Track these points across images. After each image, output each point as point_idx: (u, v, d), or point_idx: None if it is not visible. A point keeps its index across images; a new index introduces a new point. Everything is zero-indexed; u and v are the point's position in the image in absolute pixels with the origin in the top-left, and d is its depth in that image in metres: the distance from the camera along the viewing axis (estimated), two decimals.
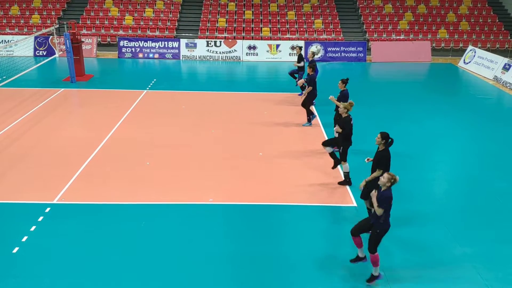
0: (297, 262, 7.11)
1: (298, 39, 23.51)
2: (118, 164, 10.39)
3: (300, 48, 16.71)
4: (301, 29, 24.26)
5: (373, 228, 6.39)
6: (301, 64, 15.90)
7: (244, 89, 17.12)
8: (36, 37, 21.87)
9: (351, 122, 9.21)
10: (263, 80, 19.45)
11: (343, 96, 10.96)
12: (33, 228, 7.81)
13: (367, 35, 24.23)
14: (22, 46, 21.52)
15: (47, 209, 8.40)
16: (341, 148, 9.32)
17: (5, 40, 22.15)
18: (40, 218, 8.10)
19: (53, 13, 24.46)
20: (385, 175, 6.23)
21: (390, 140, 7.44)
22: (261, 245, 7.53)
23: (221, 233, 7.83)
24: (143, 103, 15.02)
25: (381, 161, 7.45)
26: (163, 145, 11.58)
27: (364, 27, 24.76)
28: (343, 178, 9.64)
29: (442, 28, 24.53)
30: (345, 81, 11.18)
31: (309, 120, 13.19)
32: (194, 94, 16.24)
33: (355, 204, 8.82)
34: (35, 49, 22.11)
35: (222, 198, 8.96)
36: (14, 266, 6.87)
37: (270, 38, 23.59)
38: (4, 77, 15.83)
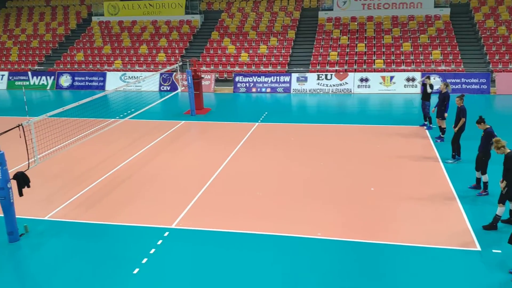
0: None
1: (414, 70, 22.64)
2: (231, 193, 10.73)
3: (428, 77, 15.61)
4: (417, 60, 23.37)
5: None
6: (429, 91, 15.07)
7: (355, 121, 16.82)
8: (161, 74, 23.91)
9: None
10: (376, 112, 18.95)
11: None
12: (152, 251, 8.31)
13: (490, 66, 22.53)
14: (149, 82, 23.64)
15: (166, 233, 8.90)
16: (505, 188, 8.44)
17: (134, 76, 24.55)
18: (159, 242, 8.60)
19: (176, 51, 26.64)
20: None
21: None
22: (369, 287, 7.14)
23: (327, 270, 7.59)
24: (255, 135, 15.47)
25: None
26: (273, 176, 11.74)
27: (488, 57, 23.08)
28: (492, 222, 8.67)
29: None
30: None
31: (454, 157, 12.28)
32: (304, 127, 16.34)
33: (478, 248, 8.01)
34: (160, 85, 24.14)
35: (331, 233, 8.73)
36: (134, 287, 7.33)
37: (383, 70, 23.07)
38: (132, 110, 17.46)
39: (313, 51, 25.08)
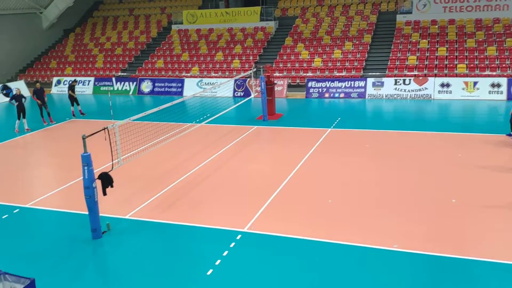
0: None
1: (500, 76, 21.20)
2: (302, 199, 10.65)
3: None
4: (503, 65, 21.86)
5: None
6: None
7: (435, 128, 16.03)
8: (235, 80, 24.39)
9: None
10: (457, 119, 17.97)
11: None
12: (225, 253, 8.44)
13: None
14: (224, 88, 24.20)
15: (238, 236, 9.01)
16: None
17: (210, 83, 25.25)
18: (232, 244, 8.72)
19: (251, 58, 27.05)
20: None
21: None
22: None
23: (404, 284, 7.26)
24: (327, 141, 15.26)
25: None
26: (346, 183, 11.49)
27: None
28: None
29: None
30: None
31: None
32: (380, 133, 15.86)
33: None
34: (234, 91, 24.61)
35: (409, 246, 8.36)
36: (207, 287, 7.49)
37: (466, 75, 21.83)
38: (208, 115, 17.95)
39: (391, 55, 24.32)
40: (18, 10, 31.26)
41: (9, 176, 13.46)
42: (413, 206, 9.97)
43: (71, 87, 20.96)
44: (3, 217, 10.55)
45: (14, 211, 10.85)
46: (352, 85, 22.71)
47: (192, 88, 25.35)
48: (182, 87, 25.78)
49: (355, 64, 24.45)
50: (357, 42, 25.72)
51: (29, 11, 32.14)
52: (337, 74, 24.13)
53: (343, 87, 22.84)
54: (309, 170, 12.55)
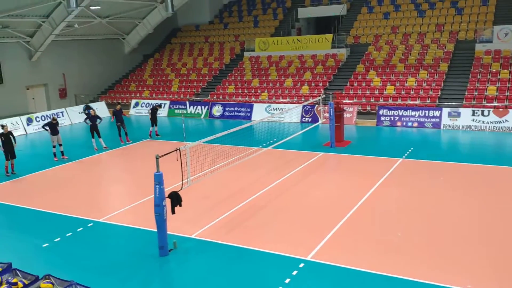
0: None
1: None
2: (369, 230, 10.30)
3: None
4: None
5: None
6: None
7: None
8: (303, 106, 24.42)
9: None
10: None
11: None
12: (287, 280, 8.31)
13: None
14: (292, 114, 24.28)
15: (301, 265, 8.85)
16: None
17: (278, 108, 25.46)
18: (295, 272, 8.57)
19: (320, 84, 27.03)
20: None
21: None
22: None
23: None
24: (398, 171, 14.73)
25: None
26: (417, 217, 10.97)
27: None
28: None
29: None
30: None
31: None
32: (456, 166, 15.04)
33: None
34: (302, 116, 24.62)
35: (484, 286, 7.76)
36: None
37: None
38: (274, 139, 18.06)
39: (468, 85, 23.24)
40: (103, 36, 33.66)
41: (86, 191, 14.27)
42: (490, 245, 9.28)
43: (155, 110, 21.80)
44: (78, 230, 11.16)
45: (89, 225, 11.44)
46: (426, 114, 21.89)
47: (260, 113, 25.70)
48: (251, 111, 26.22)
49: (430, 93, 23.61)
50: (432, 71, 24.89)
51: (113, 37, 34.51)
52: (411, 102, 23.41)
53: (416, 116, 22.08)
54: (377, 201, 12.14)
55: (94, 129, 19.30)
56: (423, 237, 9.83)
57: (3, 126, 16.34)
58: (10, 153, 16.09)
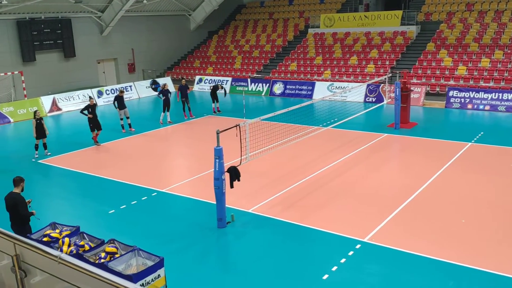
0: None
1: None
2: (430, 215, 9.94)
3: None
4: None
5: None
6: None
7: None
8: (368, 85, 23.72)
9: None
10: None
11: None
12: (343, 260, 8.25)
13: None
14: (355, 93, 23.69)
15: (358, 246, 8.74)
16: None
17: (341, 87, 24.93)
18: (351, 253, 8.49)
19: (387, 63, 26.07)
20: None
21: None
22: None
23: None
24: (465, 156, 14.03)
25: None
26: (483, 204, 10.43)
27: None
28: None
29: None
30: None
31: None
32: None
33: None
34: (366, 96, 23.96)
35: None
36: None
37: None
38: (336, 119, 17.74)
39: None
40: (170, 12, 34.36)
41: (151, 163, 14.85)
42: None
43: (216, 88, 22.01)
44: (143, 198, 11.68)
45: (152, 194, 11.94)
46: (500, 97, 20.56)
47: (322, 91, 25.29)
48: (312, 90, 25.88)
49: (505, 74, 22.08)
50: (509, 51, 23.20)
51: (179, 13, 35.14)
52: (483, 84, 22.05)
53: (489, 98, 20.80)
54: (442, 185, 11.66)
55: (166, 104, 19.87)
56: (488, 225, 9.35)
57: (90, 98, 17.11)
58: (95, 125, 16.88)
